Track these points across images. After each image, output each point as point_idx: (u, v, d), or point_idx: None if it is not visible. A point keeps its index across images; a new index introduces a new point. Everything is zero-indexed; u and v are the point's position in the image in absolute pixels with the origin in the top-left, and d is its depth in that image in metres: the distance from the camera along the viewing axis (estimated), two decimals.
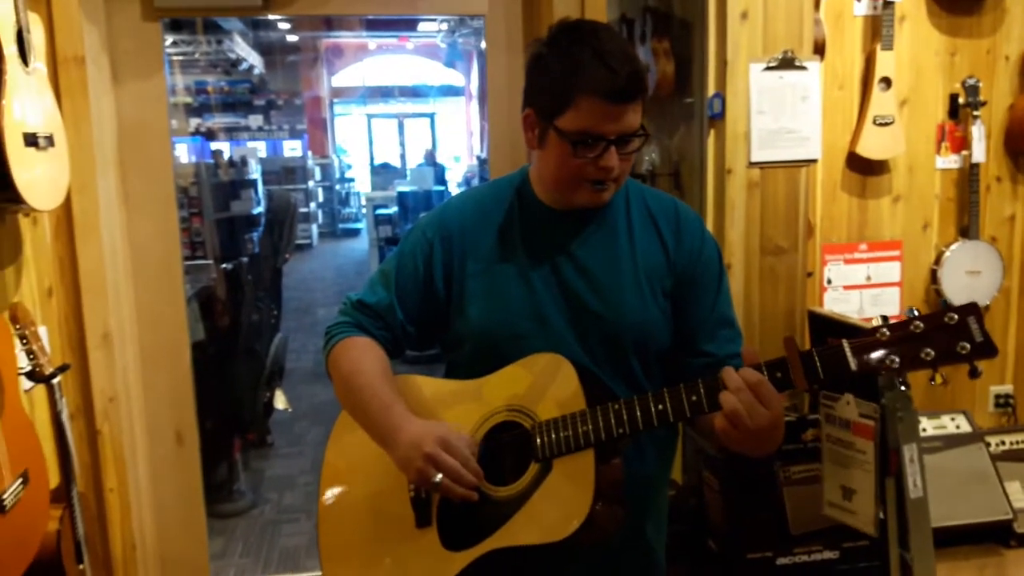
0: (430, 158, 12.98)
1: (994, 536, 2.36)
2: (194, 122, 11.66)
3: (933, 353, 1.17)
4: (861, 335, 1.21)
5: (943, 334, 1.17)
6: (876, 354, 1.19)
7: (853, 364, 1.19)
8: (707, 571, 2.12)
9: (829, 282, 2.55)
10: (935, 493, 1.87)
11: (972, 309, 1.18)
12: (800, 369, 1.21)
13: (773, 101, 2.21)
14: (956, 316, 1.17)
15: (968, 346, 1.16)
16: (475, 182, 10.23)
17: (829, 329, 2.18)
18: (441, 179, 11.39)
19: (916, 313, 1.22)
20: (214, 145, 10.18)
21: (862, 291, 2.58)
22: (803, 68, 2.21)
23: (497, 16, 2.56)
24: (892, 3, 2.40)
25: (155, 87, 2.46)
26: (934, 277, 2.61)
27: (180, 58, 9.81)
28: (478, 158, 12.08)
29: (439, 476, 1.28)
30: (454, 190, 11.02)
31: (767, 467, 2.02)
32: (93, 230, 2.30)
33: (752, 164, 2.24)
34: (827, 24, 2.42)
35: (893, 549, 1.86)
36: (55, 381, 2.00)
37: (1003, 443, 2.48)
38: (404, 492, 1.41)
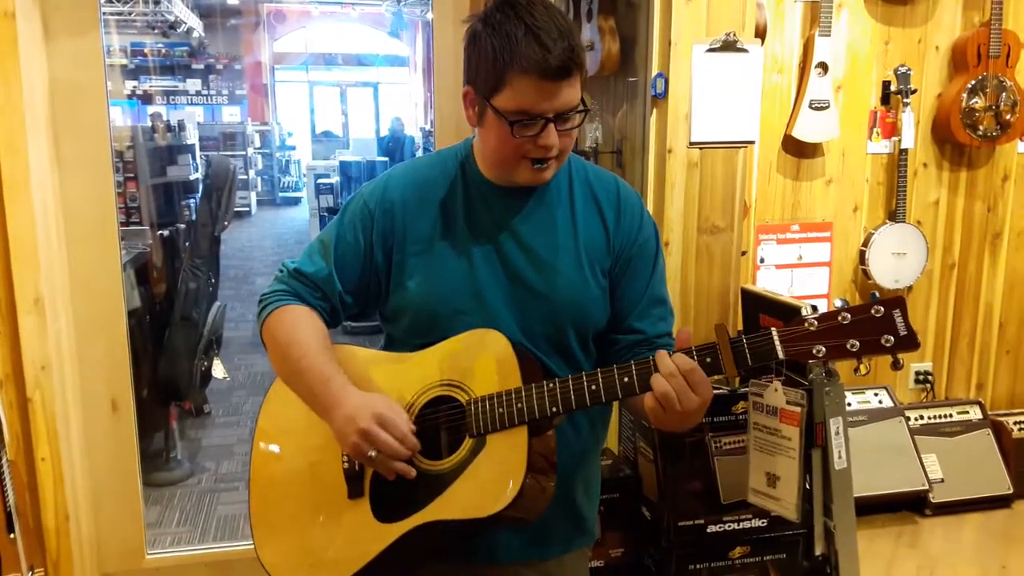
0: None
1: (911, 505, 2.49)
2: (130, 85, 11.30)
3: (858, 344, 1.21)
4: (790, 321, 1.25)
5: (869, 326, 1.21)
6: (803, 343, 1.23)
7: (780, 352, 1.23)
8: (640, 538, 2.19)
9: (762, 261, 2.63)
10: (857, 464, 1.95)
11: (898, 303, 1.22)
12: (730, 356, 1.24)
13: (714, 83, 2.25)
14: (882, 309, 1.21)
15: (892, 339, 1.20)
16: (419, 154, 10.12)
17: (760, 306, 2.25)
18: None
19: (845, 304, 1.26)
20: (151, 109, 9.87)
21: (793, 270, 2.66)
22: (744, 51, 2.26)
23: None
24: None
25: (90, 46, 2.39)
26: (862, 258, 2.70)
27: (116, 18, 9.47)
28: (422, 130, 11.91)
29: (373, 452, 1.29)
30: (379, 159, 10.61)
31: (699, 438, 2.08)
32: (23, 192, 2.23)
33: (692, 144, 2.28)
34: (768, 9, 2.47)
35: (818, 517, 1.95)
36: None
37: (921, 418, 2.61)
38: (337, 463, 1.41)
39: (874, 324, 1.21)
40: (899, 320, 1.21)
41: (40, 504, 2.34)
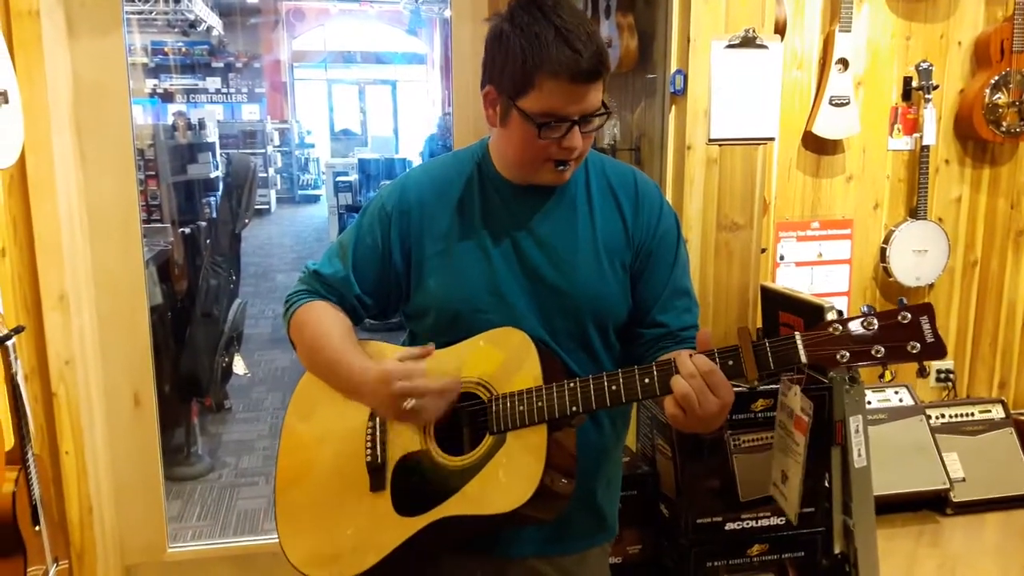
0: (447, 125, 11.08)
1: (931, 504, 2.47)
2: (151, 83, 11.38)
3: (883, 351, 1.18)
4: (815, 325, 1.22)
5: (895, 332, 1.18)
6: (827, 348, 1.20)
7: (804, 356, 1.21)
8: (658, 535, 2.18)
9: (782, 258, 2.62)
10: (877, 463, 1.94)
11: (925, 309, 1.19)
12: (752, 359, 1.22)
13: (734, 79, 2.24)
14: (909, 315, 1.18)
15: (918, 346, 1.17)
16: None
17: (780, 304, 2.25)
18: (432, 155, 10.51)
19: (871, 310, 1.23)
20: (174, 107, 9.91)
21: (813, 267, 2.65)
22: (764, 47, 2.25)
23: None
24: None
25: (113, 45, 2.42)
26: (883, 255, 2.69)
27: (137, 16, 9.54)
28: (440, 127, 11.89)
29: (412, 402, 1.30)
30: (418, 160, 10.65)
31: (717, 435, 2.08)
32: (48, 189, 2.26)
33: (711, 141, 2.27)
34: (788, 4, 2.45)
35: (836, 516, 1.95)
36: (9, 343, 1.98)
37: (943, 416, 2.59)
38: (361, 456, 1.43)
39: (901, 330, 1.18)
40: (926, 327, 1.18)
41: (64, 497, 2.38)
